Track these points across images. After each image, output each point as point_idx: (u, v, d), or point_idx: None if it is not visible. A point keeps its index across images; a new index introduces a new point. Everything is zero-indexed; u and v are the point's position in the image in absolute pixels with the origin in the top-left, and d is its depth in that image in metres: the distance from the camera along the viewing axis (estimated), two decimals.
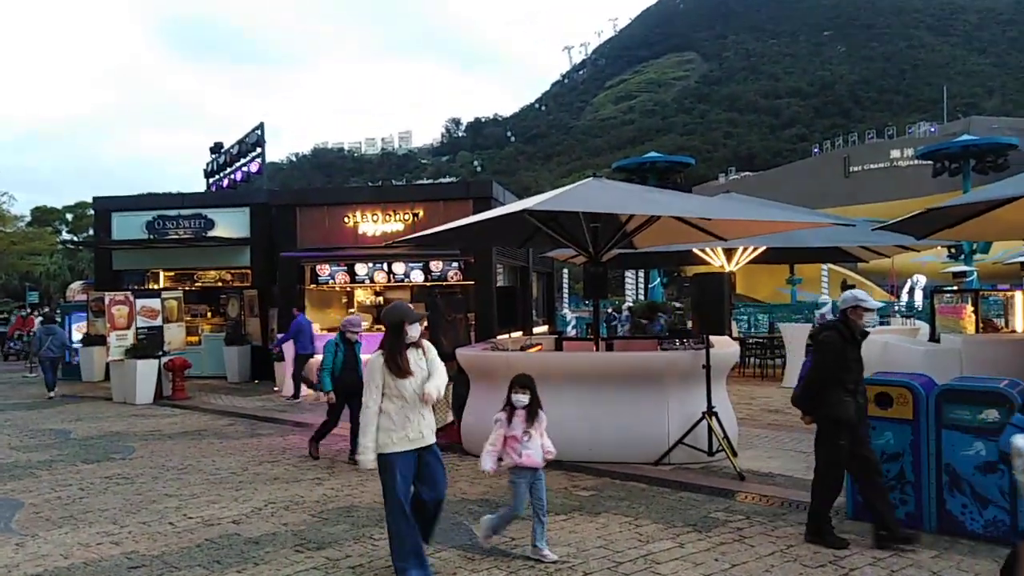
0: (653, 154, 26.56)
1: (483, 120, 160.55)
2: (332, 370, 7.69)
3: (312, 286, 14.99)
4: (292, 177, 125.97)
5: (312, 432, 8.09)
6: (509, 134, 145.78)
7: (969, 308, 9.12)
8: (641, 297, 29.87)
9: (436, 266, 14.41)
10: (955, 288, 15.44)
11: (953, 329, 9.03)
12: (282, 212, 15.52)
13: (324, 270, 14.80)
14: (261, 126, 18.82)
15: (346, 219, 14.92)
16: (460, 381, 8.27)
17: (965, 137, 25.14)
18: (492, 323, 12.56)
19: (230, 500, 6.19)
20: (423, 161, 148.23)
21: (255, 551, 4.88)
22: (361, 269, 14.71)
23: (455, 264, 14.31)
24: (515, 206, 7.75)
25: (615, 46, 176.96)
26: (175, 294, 14.64)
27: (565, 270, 32.48)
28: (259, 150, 18.66)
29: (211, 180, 21.07)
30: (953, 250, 23.47)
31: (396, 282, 14.80)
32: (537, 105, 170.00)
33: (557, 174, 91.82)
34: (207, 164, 21.35)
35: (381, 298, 16.19)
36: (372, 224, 14.83)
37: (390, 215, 14.77)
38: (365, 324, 15.20)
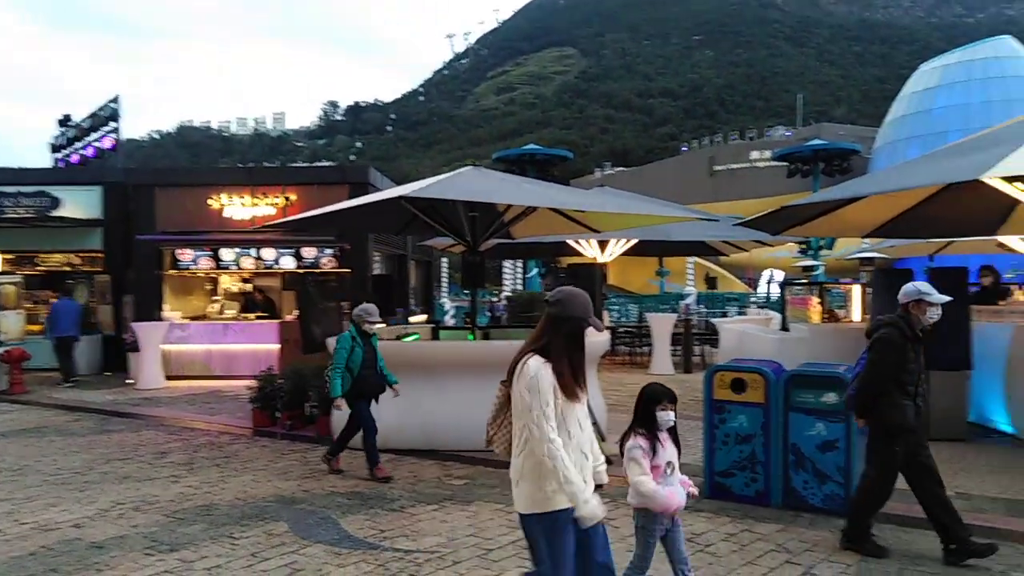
0: (532, 146, 26.94)
1: (363, 104, 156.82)
2: (349, 369, 6.27)
3: (172, 271, 14.06)
4: (154, 156, 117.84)
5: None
6: (392, 118, 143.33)
7: (815, 300, 9.88)
8: (519, 287, 30.30)
9: (309, 252, 13.90)
10: (804, 281, 16.72)
11: (801, 319, 9.76)
12: (139, 192, 14.44)
13: (186, 255, 13.92)
14: (116, 98, 17.39)
15: (211, 201, 14.09)
16: None
17: (815, 141, 27.20)
18: None
19: (72, 502, 5.70)
20: (298, 144, 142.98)
21: (98, 556, 4.51)
22: (227, 254, 13.95)
23: (329, 251, 13.87)
24: (392, 192, 7.60)
25: (497, 37, 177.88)
26: (13, 279, 13.31)
27: (444, 259, 32.37)
28: (114, 124, 17.23)
29: (58, 155, 19.27)
30: (803, 246, 25.39)
31: (265, 268, 14.17)
32: (419, 92, 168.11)
33: (438, 162, 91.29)
34: (54, 138, 19.51)
35: (250, 285, 15.46)
36: (240, 207, 14.08)
37: (260, 198, 14.09)
38: (231, 312, 14.54)
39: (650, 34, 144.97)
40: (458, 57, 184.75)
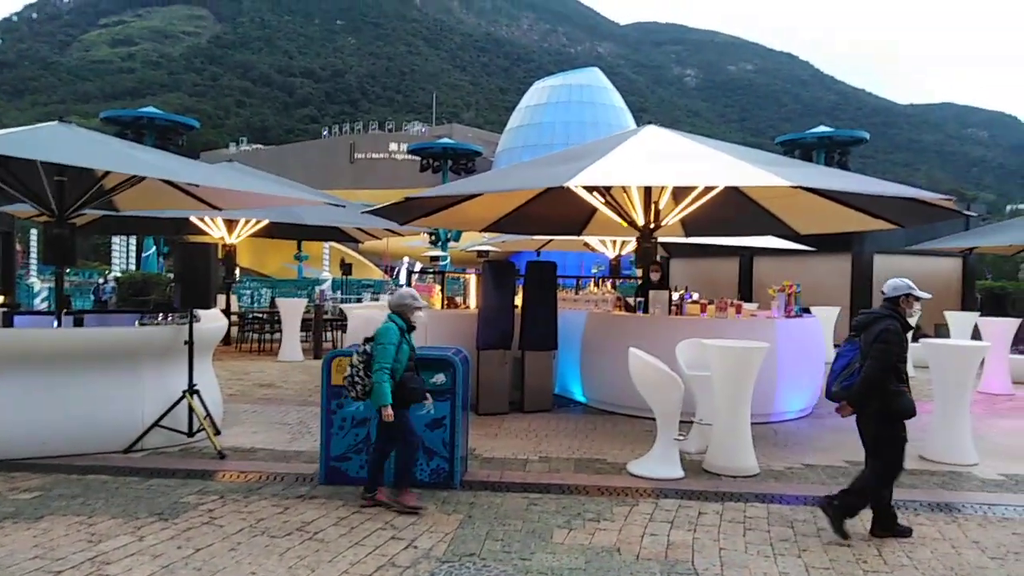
0: (152, 109, 24.16)
1: None
2: (393, 371, 4.89)
3: None
4: None
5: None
6: None
7: (438, 288, 10.53)
8: (132, 267, 26.92)
9: None
10: (433, 270, 17.85)
11: (425, 305, 10.34)
12: None
13: None
14: None
15: None
16: None
17: (445, 140, 29.26)
18: None
19: None
20: None
21: None
22: None
23: None
24: None
25: None
26: None
27: (34, 231, 27.21)
28: None
29: None
30: (433, 237, 27.11)
31: None
32: (6, 27, 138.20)
33: (32, 115, 75.95)
34: None
35: None
36: None
37: None
38: None
39: (292, 10, 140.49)
40: None
